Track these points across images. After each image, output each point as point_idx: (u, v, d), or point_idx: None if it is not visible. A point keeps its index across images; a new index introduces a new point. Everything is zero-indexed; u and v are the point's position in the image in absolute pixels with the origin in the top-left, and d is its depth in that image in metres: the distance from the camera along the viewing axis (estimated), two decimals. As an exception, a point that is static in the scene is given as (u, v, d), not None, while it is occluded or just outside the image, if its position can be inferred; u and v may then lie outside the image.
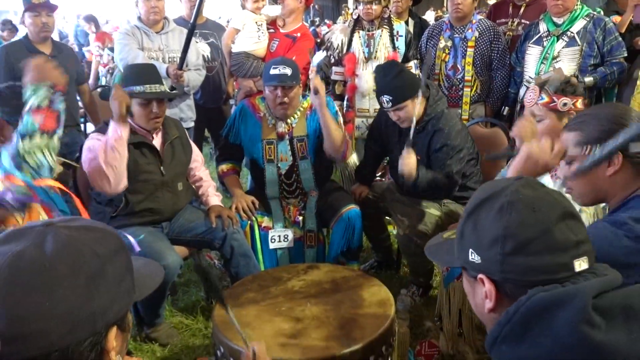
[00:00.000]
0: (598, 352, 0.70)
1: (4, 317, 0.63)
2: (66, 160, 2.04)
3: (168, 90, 2.39)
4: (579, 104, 1.95)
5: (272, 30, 3.35)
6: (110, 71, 5.36)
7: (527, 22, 3.35)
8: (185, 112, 3.33)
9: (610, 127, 1.29)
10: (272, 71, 2.49)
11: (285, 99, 2.51)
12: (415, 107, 2.38)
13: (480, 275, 0.84)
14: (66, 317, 0.65)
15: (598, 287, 0.75)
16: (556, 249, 0.78)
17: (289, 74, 2.47)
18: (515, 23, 3.45)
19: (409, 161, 2.35)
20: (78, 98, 3.43)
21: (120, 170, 2.11)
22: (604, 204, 1.48)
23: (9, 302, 0.63)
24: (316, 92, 2.45)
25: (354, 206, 2.57)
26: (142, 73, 2.31)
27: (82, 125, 3.61)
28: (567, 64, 2.92)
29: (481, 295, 0.85)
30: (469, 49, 3.18)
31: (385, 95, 2.40)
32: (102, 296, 0.69)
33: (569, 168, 1.37)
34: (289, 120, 2.63)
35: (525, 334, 0.75)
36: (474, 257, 0.84)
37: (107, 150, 2.09)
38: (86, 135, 3.49)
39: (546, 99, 1.94)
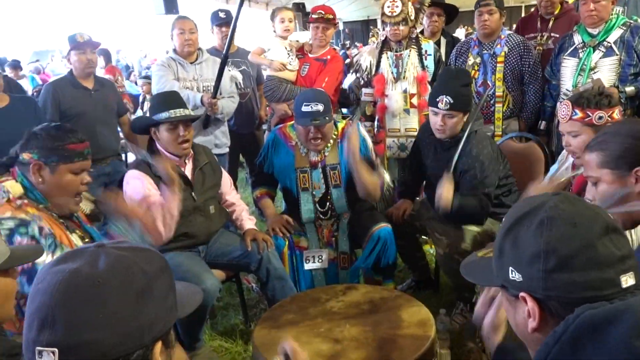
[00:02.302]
0: None
1: (62, 328, 0.68)
2: (96, 199, 2.14)
3: (192, 114, 2.46)
4: (616, 114, 1.89)
5: (300, 56, 3.42)
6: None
7: (557, 36, 3.30)
8: (220, 139, 3.41)
9: (632, 143, 1.26)
10: (304, 108, 2.46)
11: (319, 135, 2.52)
12: (461, 123, 2.44)
13: (522, 294, 0.81)
14: (117, 328, 0.70)
15: None
16: (601, 264, 0.76)
17: (321, 110, 2.45)
18: (545, 37, 3.40)
19: (446, 192, 2.35)
20: (119, 129, 3.57)
21: (173, 226, 2.14)
22: None
23: (67, 314, 0.69)
24: (348, 141, 2.45)
25: (385, 224, 2.55)
26: (165, 100, 2.39)
27: (123, 155, 3.75)
28: (606, 74, 2.84)
29: (523, 314, 0.83)
30: (498, 65, 3.15)
31: (447, 97, 2.39)
32: (149, 311, 0.74)
33: (596, 189, 1.34)
34: (322, 150, 2.64)
35: (576, 354, 0.72)
36: (514, 275, 0.82)
37: (165, 216, 2.10)
38: (127, 165, 3.62)
39: (580, 114, 1.89)
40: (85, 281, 0.70)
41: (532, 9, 3.75)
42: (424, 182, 2.94)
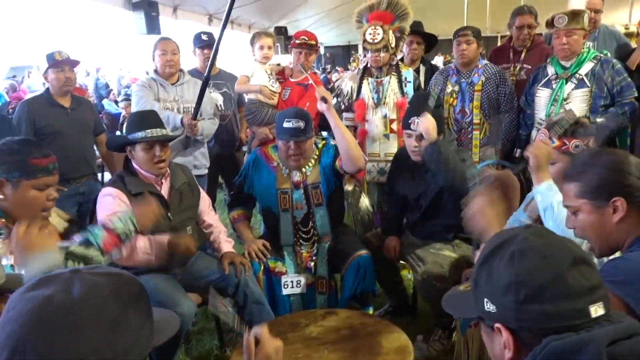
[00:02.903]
0: None
1: (33, 357, 0.66)
2: (71, 217, 2.08)
3: (170, 134, 2.44)
4: (591, 143, 1.95)
5: (281, 80, 3.44)
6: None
7: (529, 67, 3.41)
8: (200, 160, 3.40)
9: (609, 174, 1.30)
10: (286, 124, 2.49)
11: (298, 151, 2.53)
12: None
13: (496, 325, 0.84)
14: (90, 357, 0.68)
15: (612, 334, 0.75)
16: (570, 295, 0.78)
17: (302, 127, 2.48)
18: (518, 68, 3.52)
19: (428, 119, 2.36)
20: (95, 148, 3.52)
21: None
22: None
23: (39, 343, 0.67)
24: (324, 100, 2.47)
25: (365, 252, 2.55)
26: (142, 120, 2.37)
27: (99, 175, 3.68)
28: (578, 105, 2.94)
29: (499, 346, 0.85)
30: (475, 93, 3.23)
31: (419, 118, 2.45)
32: (124, 339, 0.72)
33: (575, 219, 1.37)
34: (303, 169, 2.64)
35: None
36: (489, 306, 0.84)
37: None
38: (102, 184, 3.56)
39: (557, 142, 1.93)
40: (58, 308, 0.68)
41: (505, 40, 3.87)
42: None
